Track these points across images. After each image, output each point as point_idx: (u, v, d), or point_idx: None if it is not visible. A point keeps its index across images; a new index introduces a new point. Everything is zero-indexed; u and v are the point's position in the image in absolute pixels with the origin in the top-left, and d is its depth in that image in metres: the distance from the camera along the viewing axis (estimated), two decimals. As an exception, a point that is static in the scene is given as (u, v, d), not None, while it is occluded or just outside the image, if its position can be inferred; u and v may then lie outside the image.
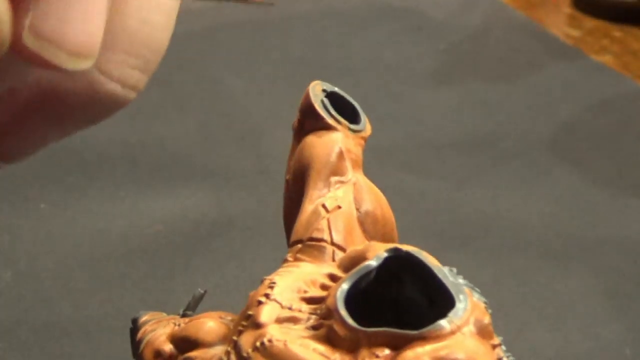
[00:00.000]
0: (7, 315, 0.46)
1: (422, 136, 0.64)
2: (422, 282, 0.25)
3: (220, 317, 0.30)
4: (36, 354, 0.44)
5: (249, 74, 0.71)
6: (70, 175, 0.58)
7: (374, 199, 0.30)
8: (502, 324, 0.46)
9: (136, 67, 0.20)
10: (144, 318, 0.33)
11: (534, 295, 0.49)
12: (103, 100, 0.20)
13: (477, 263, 0.50)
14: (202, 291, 0.35)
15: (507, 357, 0.25)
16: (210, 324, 0.29)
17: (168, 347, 0.30)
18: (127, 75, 0.20)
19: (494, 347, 0.24)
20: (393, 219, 0.31)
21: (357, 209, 0.30)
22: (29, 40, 0.18)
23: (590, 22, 0.82)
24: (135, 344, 0.32)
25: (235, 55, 0.74)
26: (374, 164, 0.63)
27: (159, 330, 0.31)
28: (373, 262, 0.25)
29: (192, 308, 0.34)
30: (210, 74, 0.70)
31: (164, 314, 0.34)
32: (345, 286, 0.24)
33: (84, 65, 0.18)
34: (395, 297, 0.26)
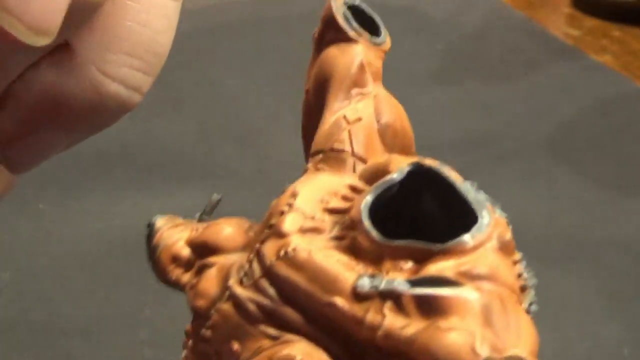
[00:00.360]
0: (6, 315, 0.46)
1: (421, 136, 0.63)
2: (443, 197, 0.25)
3: (239, 224, 0.29)
4: (35, 353, 0.44)
5: (248, 74, 0.71)
6: (69, 175, 0.58)
7: (394, 112, 0.30)
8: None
9: (139, 69, 0.21)
10: (159, 223, 0.33)
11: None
12: (107, 102, 0.20)
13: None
14: (218, 196, 0.34)
15: (528, 272, 0.25)
16: (228, 230, 0.29)
17: (185, 252, 0.30)
18: (129, 76, 0.20)
19: (515, 263, 0.25)
20: (411, 132, 0.31)
21: (378, 121, 0.30)
22: None
23: (590, 22, 0.82)
24: (151, 249, 0.32)
25: (234, 55, 0.74)
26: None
27: (176, 235, 0.31)
28: (396, 176, 0.25)
29: (208, 213, 0.33)
30: (209, 73, 0.70)
31: (180, 219, 0.33)
32: (369, 198, 0.24)
33: (41, 41, 0.18)
34: (414, 211, 0.25)
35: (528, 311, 0.25)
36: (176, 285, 0.30)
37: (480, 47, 0.77)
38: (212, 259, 0.29)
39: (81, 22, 0.19)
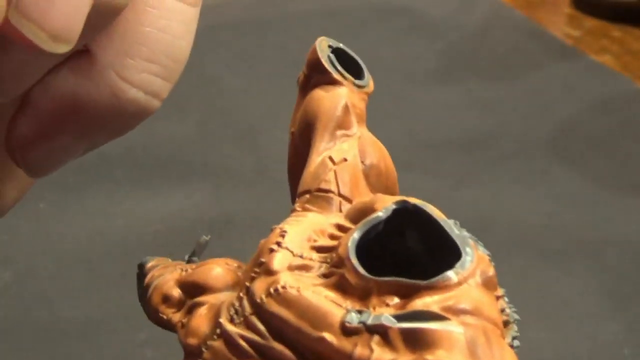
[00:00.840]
0: (6, 315, 0.46)
1: (421, 135, 0.64)
2: (426, 235, 0.26)
3: (227, 264, 0.30)
4: (35, 353, 0.44)
5: (248, 73, 0.71)
6: (69, 175, 0.58)
7: (378, 153, 0.31)
8: (501, 323, 0.46)
9: (158, 74, 0.21)
10: (150, 264, 0.34)
11: (532, 294, 0.49)
12: (126, 108, 0.20)
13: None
14: (206, 238, 0.35)
15: (510, 307, 0.26)
16: (218, 270, 0.30)
17: (176, 292, 0.30)
18: (148, 82, 0.20)
19: (498, 298, 0.25)
20: (395, 173, 0.32)
21: (362, 162, 0.31)
22: (14, 17, 0.18)
23: (590, 22, 0.82)
24: (143, 289, 0.32)
25: (234, 55, 0.74)
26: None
27: (167, 275, 0.32)
28: (382, 214, 0.26)
29: (197, 254, 0.34)
30: (209, 73, 0.70)
31: (170, 260, 0.34)
32: (356, 235, 0.25)
33: (62, 49, 0.18)
34: (397, 248, 0.26)
35: (511, 345, 0.26)
36: (168, 325, 0.31)
37: (480, 47, 0.77)
38: (202, 298, 0.29)
39: (101, 28, 0.19)
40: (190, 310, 0.29)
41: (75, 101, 0.20)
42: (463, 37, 0.78)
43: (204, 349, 0.27)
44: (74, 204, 0.55)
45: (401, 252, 0.27)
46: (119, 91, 0.20)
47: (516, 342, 0.26)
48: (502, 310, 0.26)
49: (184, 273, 0.31)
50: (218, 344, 0.27)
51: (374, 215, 0.26)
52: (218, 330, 0.27)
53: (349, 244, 0.25)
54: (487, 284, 0.25)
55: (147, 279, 0.32)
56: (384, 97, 0.69)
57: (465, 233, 0.26)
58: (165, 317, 0.30)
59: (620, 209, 0.56)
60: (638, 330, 0.46)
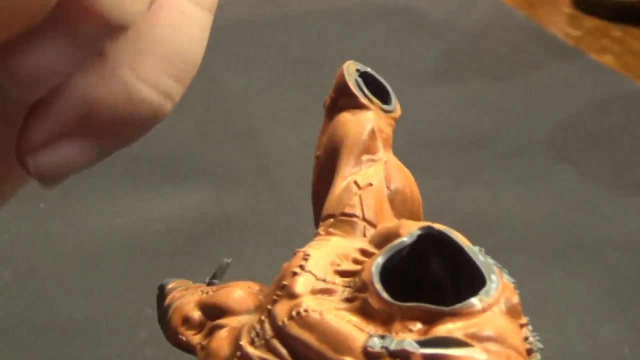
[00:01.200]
0: (5, 315, 0.46)
1: (421, 135, 0.64)
2: (451, 261, 0.26)
3: (249, 287, 0.30)
4: (35, 353, 0.44)
5: (248, 73, 0.71)
6: (70, 175, 0.57)
7: (404, 178, 0.31)
8: (501, 323, 0.46)
9: (171, 75, 0.20)
10: (171, 285, 0.34)
11: (532, 294, 0.49)
12: (140, 108, 0.20)
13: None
14: (228, 260, 0.35)
15: (534, 336, 0.26)
16: (239, 293, 0.30)
17: (197, 314, 0.30)
18: (161, 82, 0.20)
19: (522, 326, 0.25)
20: (420, 199, 0.32)
21: (387, 187, 0.31)
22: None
23: (590, 22, 0.82)
24: (163, 310, 0.32)
25: (234, 54, 0.74)
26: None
27: (187, 297, 0.31)
28: (407, 239, 0.26)
29: (218, 277, 0.34)
30: (209, 72, 0.70)
31: (190, 282, 0.34)
32: (380, 260, 0.25)
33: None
34: (420, 273, 0.26)
35: None
36: (187, 347, 0.31)
37: (481, 47, 0.77)
38: (222, 321, 0.29)
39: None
40: (211, 333, 0.29)
41: (88, 103, 0.20)
42: (463, 37, 0.78)
43: None
44: (74, 204, 0.55)
45: (425, 278, 0.27)
46: (132, 90, 0.20)
47: None
48: (526, 339, 0.26)
49: (204, 295, 0.31)
50: None
51: (398, 240, 0.26)
52: (238, 353, 0.27)
53: (373, 269, 0.25)
54: (512, 312, 0.25)
55: (167, 301, 0.32)
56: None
57: (490, 260, 0.26)
58: (185, 338, 0.30)
59: (620, 209, 0.56)
60: (638, 330, 0.46)
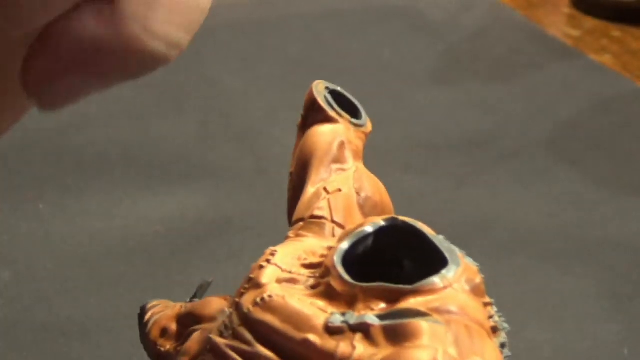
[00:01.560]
0: (5, 315, 0.46)
1: (421, 136, 0.64)
2: (418, 250, 0.26)
3: (225, 299, 0.31)
4: (35, 353, 0.44)
5: (247, 74, 0.71)
6: (69, 176, 0.58)
7: (374, 186, 0.32)
8: (501, 323, 0.46)
9: (180, 26, 0.21)
10: (151, 304, 0.34)
11: (532, 294, 0.49)
12: (146, 57, 0.20)
13: (475, 262, 0.50)
14: (209, 280, 0.36)
15: (499, 316, 0.26)
16: (215, 301, 0.30)
17: (174, 326, 0.31)
18: (170, 33, 0.20)
19: (486, 305, 0.26)
20: (391, 206, 0.33)
21: (358, 194, 0.31)
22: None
23: (589, 22, 0.82)
24: (143, 326, 0.33)
25: (233, 56, 0.74)
26: (373, 163, 0.63)
27: (166, 312, 0.32)
28: (369, 227, 0.27)
29: (199, 296, 0.35)
30: (208, 74, 0.70)
31: (171, 302, 0.35)
32: (342, 246, 0.26)
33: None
34: (390, 267, 0.27)
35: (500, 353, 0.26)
36: (166, 357, 0.31)
37: (480, 47, 0.77)
38: (198, 327, 0.30)
39: None
40: (187, 338, 0.30)
41: (96, 46, 0.20)
42: (463, 38, 0.78)
43: None
44: (74, 204, 0.55)
45: (394, 273, 0.27)
46: (140, 43, 0.20)
47: (506, 352, 0.26)
48: (491, 317, 0.26)
49: (183, 309, 0.32)
50: (208, 357, 0.27)
51: (361, 228, 0.27)
52: (208, 347, 0.27)
53: (335, 253, 0.26)
54: (475, 290, 0.25)
55: (147, 316, 0.33)
56: (383, 98, 0.69)
57: (454, 247, 0.26)
58: (163, 349, 0.31)
59: (620, 209, 0.56)
60: (638, 330, 0.46)
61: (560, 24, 0.83)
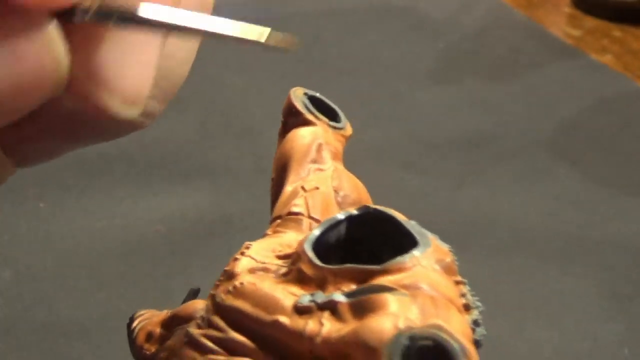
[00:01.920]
0: (6, 315, 0.46)
1: (422, 135, 0.64)
2: (392, 237, 0.27)
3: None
4: (35, 353, 0.44)
5: (248, 73, 0.71)
6: (69, 175, 0.58)
7: (353, 185, 0.32)
8: (500, 322, 0.46)
9: (156, 97, 0.21)
10: (138, 313, 0.35)
11: (532, 294, 0.49)
12: (121, 125, 0.21)
13: (476, 262, 0.50)
14: (196, 288, 0.36)
15: (472, 295, 0.27)
16: (198, 302, 0.31)
17: (159, 330, 0.32)
18: (146, 104, 0.21)
19: (457, 283, 0.26)
20: (371, 204, 0.33)
21: (336, 192, 0.32)
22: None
23: (590, 22, 0.82)
24: (130, 333, 0.33)
25: (234, 55, 0.74)
26: (373, 163, 0.63)
27: (152, 318, 0.33)
28: (340, 215, 0.27)
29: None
30: (209, 73, 0.70)
31: (157, 311, 0.35)
32: (314, 232, 0.27)
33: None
34: (370, 260, 0.27)
35: (473, 331, 0.26)
36: (152, 359, 0.32)
37: (481, 47, 0.77)
38: (179, 327, 0.31)
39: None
40: (169, 338, 0.31)
41: (74, 118, 0.20)
42: (463, 37, 0.78)
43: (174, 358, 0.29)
44: (74, 204, 0.55)
45: (373, 258, 0.27)
46: (116, 114, 0.20)
47: (481, 330, 0.26)
48: (463, 295, 0.26)
49: (168, 314, 0.32)
50: (185, 349, 0.28)
51: (332, 216, 0.27)
52: (186, 339, 0.28)
53: (305, 239, 0.26)
54: (445, 269, 0.26)
55: (134, 324, 0.33)
56: (384, 97, 0.69)
57: (426, 231, 0.27)
58: (148, 352, 0.32)
59: (620, 209, 0.56)
60: (638, 330, 0.46)
61: (561, 23, 0.83)
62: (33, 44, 0.17)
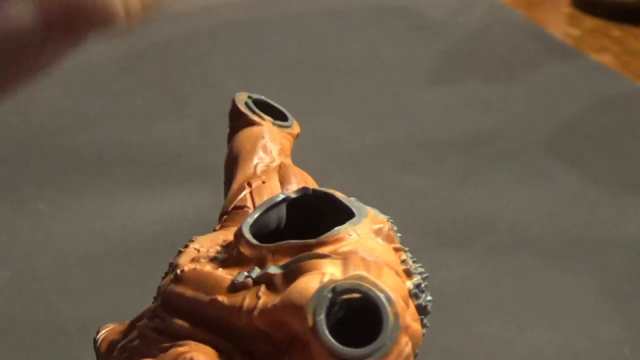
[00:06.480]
0: (5, 315, 0.46)
1: (421, 135, 0.64)
2: (333, 216, 0.28)
3: None
4: (34, 353, 0.44)
5: (247, 74, 0.71)
6: (69, 176, 0.58)
7: (300, 178, 0.33)
8: (500, 322, 0.46)
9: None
10: (104, 326, 0.35)
11: (532, 294, 0.49)
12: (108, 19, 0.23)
13: (476, 262, 0.50)
14: None
15: (415, 262, 0.27)
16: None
17: (120, 337, 0.32)
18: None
19: (397, 250, 0.27)
20: None
21: (282, 184, 0.32)
22: None
23: (589, 22, 0.82)
24: (94, 344, 0.34)
25: (233, 55, 0.74)
26: (373, 163, 0.63)
27: (114, 328, 0.33)
28: (278, 197, 0.28)
29: None
30: (209, 74, 0.70)
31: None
32: (251, 214, 0.28)
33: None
34: (312, 236, 0.28)
35: (416, 296, 0.27)
36: None
37: (480, 47, 0.77)
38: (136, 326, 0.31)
39: None
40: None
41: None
42: (463, 37, 0.78)
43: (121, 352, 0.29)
44: (73, 204, 0.55)
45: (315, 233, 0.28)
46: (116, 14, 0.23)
47: (426, 296, 0.27)
48: (403, 261, 0.27)
49: (128, 323, 0.33)
50: (137, 343, 0.29)
51: (270, 198, 0.28)
52: (137, 333, 0.29)
53: (243, 223, 0.27)
54: (383, 237, 0.26)
55: (97, 336, 0.34)
56: (384, 98, 0.69)
57: (365, 206, 0.28)
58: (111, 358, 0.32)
59: (620, 209, 0.56)
60: (638, 330, 0.46)
61: (561, 23, 0.83)
62: None
